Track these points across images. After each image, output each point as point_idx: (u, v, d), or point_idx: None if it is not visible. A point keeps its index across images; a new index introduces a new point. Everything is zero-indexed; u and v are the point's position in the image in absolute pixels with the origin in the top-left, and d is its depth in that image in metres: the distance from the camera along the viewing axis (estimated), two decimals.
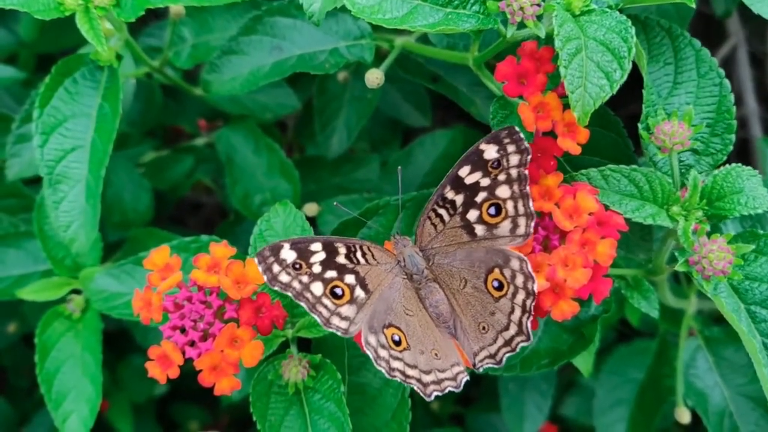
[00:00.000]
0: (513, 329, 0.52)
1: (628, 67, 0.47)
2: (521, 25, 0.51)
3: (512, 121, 0.58)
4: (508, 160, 0.51)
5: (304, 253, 0.52)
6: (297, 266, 0.52)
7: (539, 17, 0.50)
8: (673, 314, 0.80)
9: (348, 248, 0.53)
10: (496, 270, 0.52)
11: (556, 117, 0.52)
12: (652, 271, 0.62)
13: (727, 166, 0.54)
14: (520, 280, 0.51)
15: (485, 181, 0.52)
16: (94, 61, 0.68)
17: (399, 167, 0.62)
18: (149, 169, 0.93)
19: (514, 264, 0.51)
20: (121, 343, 0.99)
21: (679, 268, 0.52)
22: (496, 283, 0.52)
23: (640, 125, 0.56)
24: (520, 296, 0.51)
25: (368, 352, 0.52)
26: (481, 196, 0.52)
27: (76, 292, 0.76)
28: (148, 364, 0.54)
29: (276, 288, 0.52)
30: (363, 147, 0.99)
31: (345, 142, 0.87)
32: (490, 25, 0.52)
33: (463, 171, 0.52)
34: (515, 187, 0.51)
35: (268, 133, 0.88)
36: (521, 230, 0.52)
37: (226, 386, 0.53)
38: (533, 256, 0.51)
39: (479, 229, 0.53)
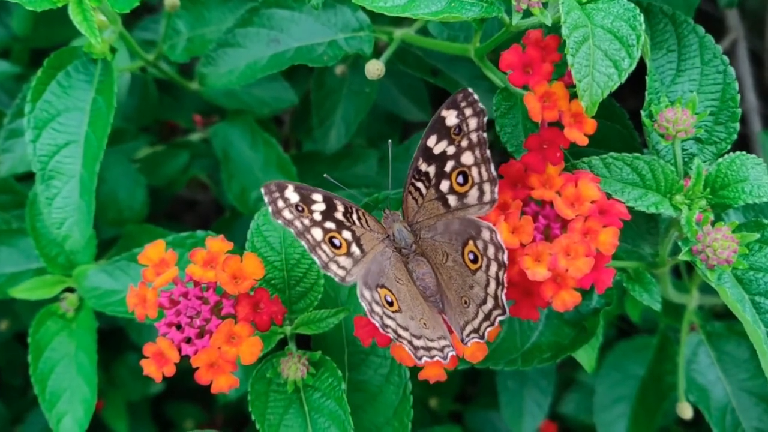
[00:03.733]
0: (490, 303, 0.51)
1: (637, 55, 0.47)
2: (527, 13, 0.50)
3: (516, 113, 0.57)
4: (467, 125, 0.51)
5: (306, 199, 0.52)
6: (300, 208, 0.52)
7: (545, 4, 0.50)
8: (675, 309, 0.79)
9: (346, 208, 0.53)
10: (471, 242, 0.52)
11: (563, 107, 0.51)
12: (654, 264, 0.61)
13: (731, 154, 0.53)
14: (491, 251, 0.50)
15: (451, 150, 0.51)
16: (88, 53, 0.67)
17: (389, 141, 0.61)
18: (144, 165, 0.92)
19: (485, 235, 0.51)
20: (116, 341, 0.98)
21: (683, 257, 0.52)
22: (471, 256, 0.52)
23: (643, 112, 0.55)
24: (493, 268, 0.51)
25: (363, 305, 0.52)
26: (449, 165, 0.52)
27: (70, 290, 0.75)
28: (143, 362, 0.53)
29: (279, 222, 0.51)
30: (360, 142, 0.98)
31: (343, 137, 0.86)
32: (494, 13, 0.51)
33: (431, 141, 0.52)
34: (477, 153, 0.51)
35: (265, 128, 0.87)
36: (487, 197, 0.51)
37: (223, 384, 0.52)
38: (534, 245, 0.50)
39: (452, 200, 0.52)
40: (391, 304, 0.52)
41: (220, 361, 0.52)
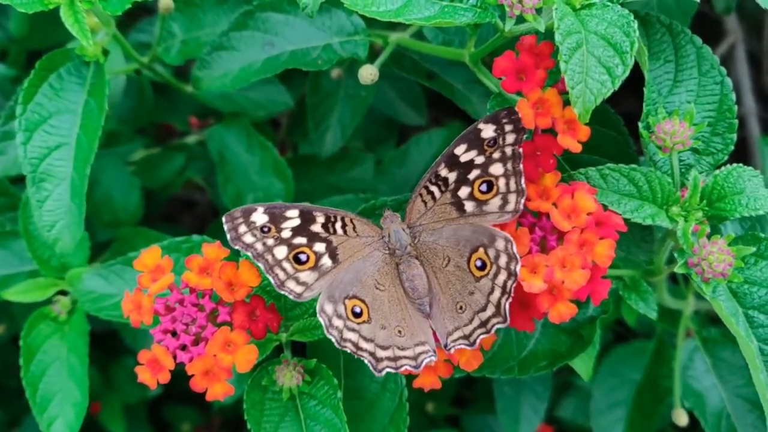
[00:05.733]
0: (490, 310, 0.51)
1: (630, 62, 0.46)
2: (520, 19, 0.50)
3: None
4: (504, 139, 0.51)
5: (276, 218, 0.52)
6: (265, 229, 0.52)
7: (538, 11, 0.49)
8: (671, 315, 0.79)
9: (327, 218, 0.53)
10: (481, 249, 0.52)
11: (556, 114, 0.51)
12: (650, 272, 0.61)
13: (728, 166, 0.53)
14: (503, 260, 0.50)
15: (479, 159, 0.52)
16: (80, 56, 0.66)
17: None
18: (140, 168, 0.92)
19: (500, 244, 0.51)
20: (114, 344, 0.98)
21: (678, 269, 0.51)
22: (479, 263, 0.52)
23: (640, 124, 0.55)
24: (502, 277, 0.51)
25: (321, 320, 0.52)
26: (474, 174, 0.52)
27: (63, 293, 0.75)
28: (138, 369, 0.53)
29: (237, 247, 0.52)
30: (357, 146, 0.97)
31: (339, 140, 0.86)
32: (487, 19, 0.50)
33: (459, 149, 0.52)
34: (509, 165, 0.51)
35: (261, 131, 0.87)
36: (511, 206, 0.51)
37: (218, 392, 0.52)
38: (530, 257, 0.50)
39: (469, 206, 0.53)
40: (358, 315, 0.52)
41: (215, 369, 0.52)
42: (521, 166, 0.51)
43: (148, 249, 0.56)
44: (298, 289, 0.52)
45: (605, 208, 0.51)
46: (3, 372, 1.03)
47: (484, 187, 0.52)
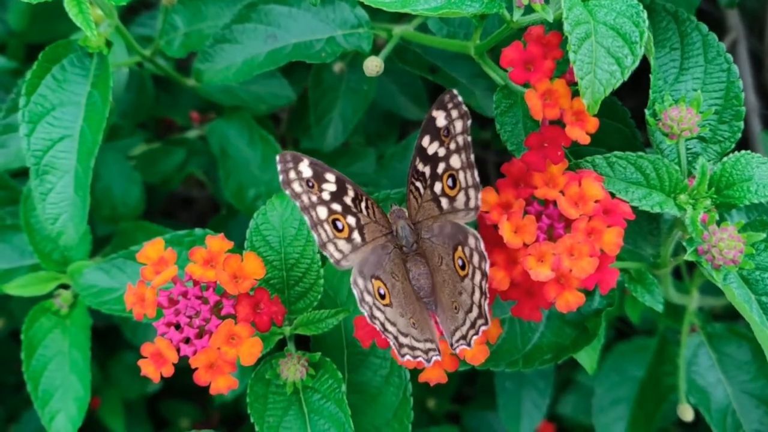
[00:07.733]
0: (475, 311, 0.51)
1: (640, 52, 0.46)
2: (528, 10, 0.49)
3: (517, 111, 0.56)
4: (454, 127, 0.50)
5: (319, 176, 0.52)
6: (310, 184, 0.51)
7: (546, 1, 0.49)
8: (675, 310, 0.79)
9: (356, 194, 0.53)
10: (460, 248, 0.51)
11: (565, 105, 0.50)
12: (656, 265, 0.61)
13: (736, 153, 0.53)
14: (476, 259, 0.50)
15: (442, 151, 0.51)
16: (83, 47, 0.66)
17: None
18: (140, 162, 0.91)
19: (471, 242, 0.50)
20: (113, 339, 0.97)
21: (688, 257, 0.51)
22: (460, 262, 0.51)
23: (647, 111, 0.54)
24: (478, 277, 0.50)
25: (354, 292, 0.51)
26: (441, 167, 0.51)
27: (64, 287, 0.74)
28: (141, 362, 0.52)
29: (287, 191, 0.51)
30: (358, 140, 0.97)
31: (341, 135, 0.86)
32: (495, 9, 0.50)
33: (425, 141, 0.51)
34: (463, 157, 0.50)
35: (263, 125, 0.87)
36: (472, 203, 0.51)
37: (222, 385, 0.52)
38: (537, 245, 0.49)
39: (444, 203, 0.52)
40: (383, 297, 0.52)
41: (219, 362, 0.52)
42: (472, 157, 0.50)
43: (152, 241, 0.55)
44: (337, 255, 0.52)
45: (613, 196, 0.51)
46: (1, 368, 1.03)
47: (450, 182, 0.51)
